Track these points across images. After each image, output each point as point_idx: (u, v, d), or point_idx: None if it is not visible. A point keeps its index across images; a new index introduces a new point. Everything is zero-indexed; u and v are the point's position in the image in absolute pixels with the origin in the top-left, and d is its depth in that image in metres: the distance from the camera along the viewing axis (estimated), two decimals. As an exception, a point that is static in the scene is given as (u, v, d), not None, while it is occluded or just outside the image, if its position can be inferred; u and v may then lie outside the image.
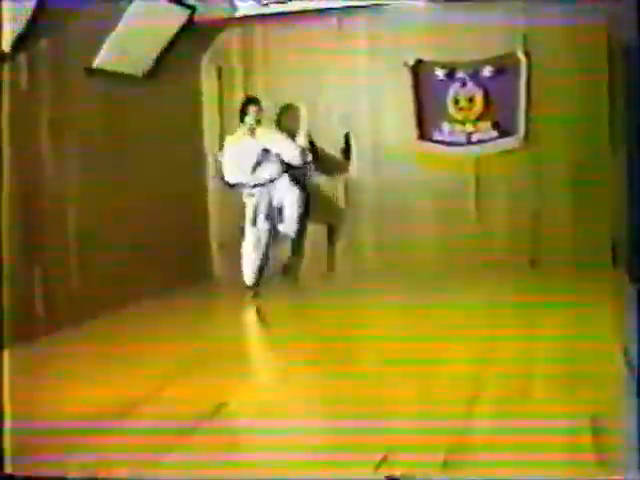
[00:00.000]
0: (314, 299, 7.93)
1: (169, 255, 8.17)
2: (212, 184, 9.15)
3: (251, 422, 4.12)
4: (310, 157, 8.10)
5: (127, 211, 7.56)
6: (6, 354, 3.86)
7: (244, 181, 7.86)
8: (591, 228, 8.19)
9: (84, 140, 6.98)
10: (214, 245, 9.21)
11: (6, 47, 5.75)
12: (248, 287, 7.84)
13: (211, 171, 9.11)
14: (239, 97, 8.94)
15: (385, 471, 3.28)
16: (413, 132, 8.55)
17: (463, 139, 8.51)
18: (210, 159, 9.12)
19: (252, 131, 7.88)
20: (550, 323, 6.18)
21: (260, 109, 7.96)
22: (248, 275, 7.86)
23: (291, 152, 7.93)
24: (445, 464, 3.31)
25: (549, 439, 3.58)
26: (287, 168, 7.95)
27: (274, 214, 7.93)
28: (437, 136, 8.53)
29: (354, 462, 3.43)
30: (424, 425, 3.91)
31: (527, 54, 8.27)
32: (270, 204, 7.87)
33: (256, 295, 7.77)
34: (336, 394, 4.49)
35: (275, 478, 3.28)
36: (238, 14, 8.83)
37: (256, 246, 7.81)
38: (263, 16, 8.79)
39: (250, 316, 7.34)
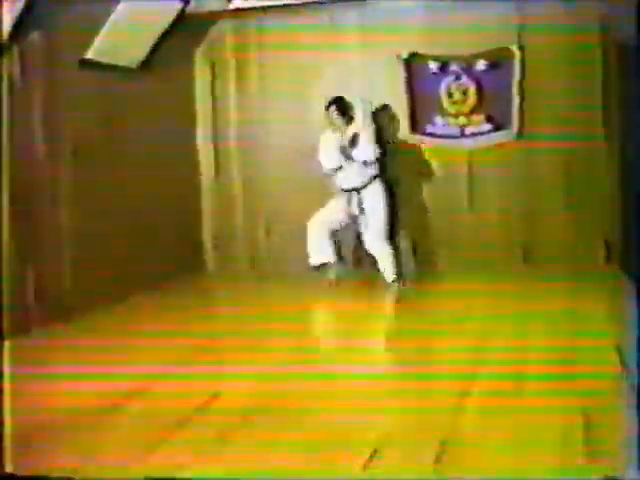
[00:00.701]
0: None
1: (164, 250, 8.17)
2: (205, 177, 9.16)
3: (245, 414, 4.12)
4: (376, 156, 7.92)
5: (119, 205, 7.56)
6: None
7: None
8: (584, 223, 8.20)
9: (77, 134, 6.97)
10: (207, 240, 9.20)
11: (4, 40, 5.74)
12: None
13: (203, 165, 9.13)
14: (232, 91, 8.97)
15: (374, 466, 3.30)
16: (406, 125, 8.53)
17: (456, 132, 8.50)
18: (202, 153, 9.12)
19: (340, 128, 7.89)
20: (543, 319, 6.19)
21: (339, 108, 7.90)
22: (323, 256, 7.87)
23: (366, 151, 7.79)
24: (437, 460, 3.32)
25: (541, 435, 3.60)
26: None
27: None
28: (430, 129, 8.52)
29: (344, 456, 3.45)
30: (416, 420, 3.94)
31: (521, 48, 8.25)
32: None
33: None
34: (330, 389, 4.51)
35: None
36: (231, 7, 8.81)
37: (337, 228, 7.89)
38: (256, 9, 8.77)
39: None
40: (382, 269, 7.82)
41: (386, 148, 8.10)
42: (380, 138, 8.10)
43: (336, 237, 7.93)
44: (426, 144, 8.53)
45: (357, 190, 7.76)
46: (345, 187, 7.81)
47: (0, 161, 5.51)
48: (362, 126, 8.01)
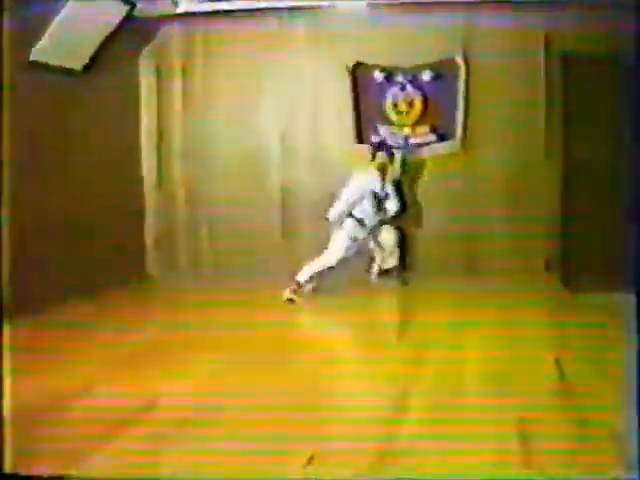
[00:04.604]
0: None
1: (103, 253, 8.08)
2: (147, 181, 9.10)
3: (184, 415, 4.11)
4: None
5: (61, 206, 7.47)
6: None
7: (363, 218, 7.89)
8: (525, 234, 8.27)
9: (20, 137, 6.87)
10: (149, 242, 9.13)
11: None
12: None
13: (146, 168, 9.06)
14: (177, 94, 8.92)
15: (314, 468, 3.30)
16: (351, 135, 8.55)
17: (400, 142, 8.54)
18: (145, 154, 9.06)
19: (383, 170, 8.01)
20: (484, 328, 6.22)
21: (388, 150, 8.13)
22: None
23: (395, 205, 8.11)
24: (374, 468, 3.33)
25: (477, 445, 3.62)
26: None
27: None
28: (374, 139, 8.55)
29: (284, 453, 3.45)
30: (356, 425, 3.94)
31: (466, 60, 8.32)
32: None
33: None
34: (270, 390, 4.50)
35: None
36: (178, 11, 8.75)
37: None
38: (203, 14, 8.73)
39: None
40: (388, 258, 8.25)
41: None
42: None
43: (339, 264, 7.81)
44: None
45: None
46: (368, 222, 7.94)
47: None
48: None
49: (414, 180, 8.51)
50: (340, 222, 7.74)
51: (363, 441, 3.70)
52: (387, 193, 8.03)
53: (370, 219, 7.88)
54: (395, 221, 8.25)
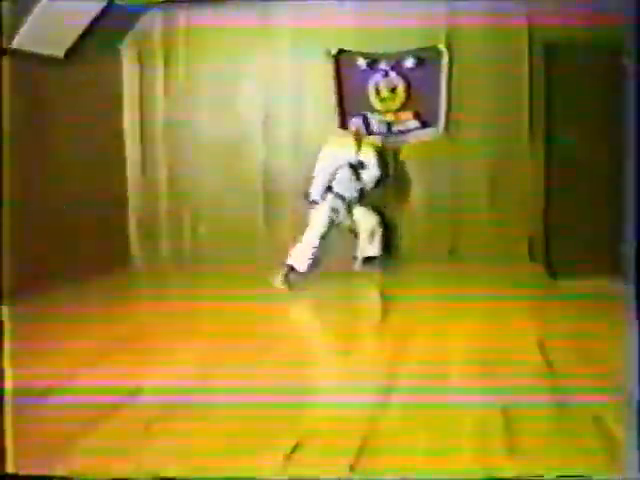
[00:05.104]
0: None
1: (87, 243, 8.05)
2: (131, 169, 9.07)
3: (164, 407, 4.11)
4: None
5: (43, 195, 7.44)
6: None
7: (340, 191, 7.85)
8: (508, 220, 8.30)
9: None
10: (132, 230, 9.10)
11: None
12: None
13: (129, 157, 9.03)
14: (159, 82, 8.89)
15: (297, 458, 3.31)
16: (334, 121, 8.55)
17: (384, 129, 8.54)
18: (128, 143, 9.03)
19: (358, 141, 7.96)
20: (467, 314, 6.24)
21: (365, 118, 8.17)
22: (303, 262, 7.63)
23: (374, 172, 7.98)
24: (356, 458, 3.34)
25: (460, 428, 3.64)
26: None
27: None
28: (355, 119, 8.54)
29: (266, 448, 3.46)
30: (338, 415, 3.95)
31: (449, 47, 8.33)
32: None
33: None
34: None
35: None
36: (160, -2, 8.73)
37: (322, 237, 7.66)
38: (186, 1, 8.69)
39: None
40: (368, 244, 8.09)
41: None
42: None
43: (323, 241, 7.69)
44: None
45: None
46: (344, 193, 7.86)
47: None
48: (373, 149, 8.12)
49: (396, 166, 8.51)
50: (324, 199, 7.74)
51: (346, 428, 3.71)
52: (363, 161, 7.91)
53: (348, 189, 7.82)
54: (377, 205, 8.26)
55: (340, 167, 7.81)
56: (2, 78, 5.74)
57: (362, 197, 8.00)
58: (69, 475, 3.25)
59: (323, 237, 7.61)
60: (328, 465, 3.29)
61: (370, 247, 8.11)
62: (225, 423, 3.82)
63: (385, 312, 6.77)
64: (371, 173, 7.96)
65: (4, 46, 6.91)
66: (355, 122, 8.36)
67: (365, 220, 8.04)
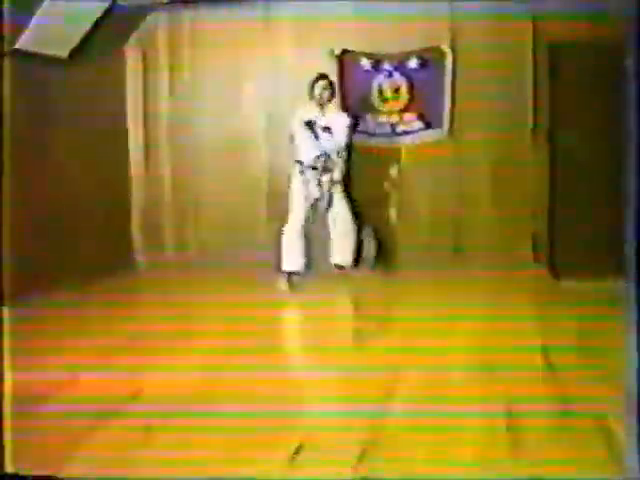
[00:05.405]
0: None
1: (90, 243, 8.04)
2: (134, 169, 9.07)
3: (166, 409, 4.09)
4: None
5: (46, 194, 7.43)
6: None
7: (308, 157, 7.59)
8: (512, 221, 8.28)
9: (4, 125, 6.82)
10: (135, 229, 9.11)
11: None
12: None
13: (133, 156, 9.04)
14: (163, 82, 8.89)
15: (301, 460, 3.30)
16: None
17: (387, 130, 8.53)
18: (132, 143, 9.03)
19: (321, 106, 7.66)
20: (470, 315, 6.22)
21: (330, 83, 7.66)
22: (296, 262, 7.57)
23: (337, 142, 7.63)
24: (359, 459, 3.33)
25: (463, 435, 3.62)
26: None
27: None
28: (361, 127, 8.52)
29: (271, 445, 3.45)
30: (341, 416, 3.94)
31: (452, 47, 8.31)
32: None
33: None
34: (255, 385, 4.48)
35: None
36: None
37: (300, 228, 7.56)
38: (189, 2, 8.69)
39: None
40: (339, 250, 7.72)
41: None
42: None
43: (308, 232, 7.62)
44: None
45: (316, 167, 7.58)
46: (310, 163, 7.59)
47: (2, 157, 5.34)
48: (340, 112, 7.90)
49: (400, 168, 8.50)
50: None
51: (348, 432, 3.69)
52: (329, 127, 7.61)
53: (306, 153, 7.58)
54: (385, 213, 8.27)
55: (298, 130, 7.63)
56: (2, 79, 5.70)
57: (327, 169, 7.58)
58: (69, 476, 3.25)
59: (306, 221, 7.51)
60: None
61: (339, 255, 7.76)
62: (229, 422, 3.82)
63: (386, 314, 6.74)
64: (335, 139, 7.60)
65: (6, 48, 6.92)
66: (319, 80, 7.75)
67: (340, 223, 7.72)
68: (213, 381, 4.59)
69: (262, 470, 3.25)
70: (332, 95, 7.70)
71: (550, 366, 4.71)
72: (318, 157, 7.56)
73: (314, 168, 7.56)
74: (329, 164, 7.59)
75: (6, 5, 5.18)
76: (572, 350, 5.07)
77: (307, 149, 7.58)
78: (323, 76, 7.65)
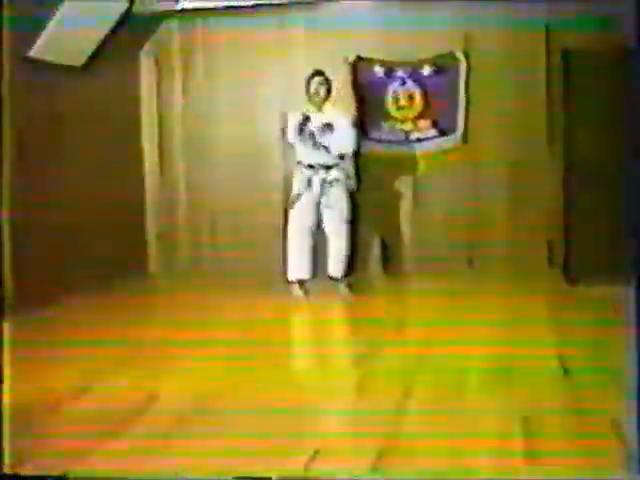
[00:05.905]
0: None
1: (105, 248, 8.06)
2: (148, 176, 9.10)
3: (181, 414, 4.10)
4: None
5: (61, 202, 7.45)
6: None
7: (303, 157, 7.47)
8: (527, 227, 8.27)
9: (20, 133, 6.85)
10: (150, 237, 9.14)
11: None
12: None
13: (147, 163, 9.07)
14: (177, 90, 8.93)
15: (317, 466, 3.30)
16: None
17: (402, 137, 8.53)
18: (147, 150, 9.07)
19: (317, 103, 7.50)
20: (486, 322, 6.20)
21: (326, 80, 7.49)
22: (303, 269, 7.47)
23: (346, 137, 7.44)
24: (375, 464, 3.32)
25: (480, 442, 3.60)
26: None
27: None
28: (375, 134, 8.53)
29: (287, 451, 3.44)
30: (357, 423, 3.94)
31: (466, 54, 8.31)
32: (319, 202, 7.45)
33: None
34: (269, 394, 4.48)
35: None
36: (178, 7, 8.76)
37: (304, 233, 7.44)
38: (202, 10, 8.73)
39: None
40: (332, 256, 7.50)
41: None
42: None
43: (313, 237, 7.47)
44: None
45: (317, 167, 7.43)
46: (307, 162, 7.46)
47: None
48: (341, 109, 7.74)
49: (415, 175, 8.50)
50: None
51: (364, 438, 3.69)
52: (331, 124, 7.44)
53: (307, 152, 7.44)
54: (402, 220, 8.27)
55: (292, 133, 7.54)
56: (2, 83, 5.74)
57: (328, 167, 7.40)
58: (69, 475, 3.25)
59: (309, 223, 7.42)
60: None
61: (331, 265, 7.54)
62: (244, 428, 3.82)
63: (401, 319, 6.73)
64: (337, 136, 7.40)
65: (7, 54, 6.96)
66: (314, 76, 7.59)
67: (335, 236, 7.49)
68: (229, 387, 4.60)
69: (278, 476, 3.25)
70: (329, 92, 7.50)
71: (566, 372, 4.69)
72: (316, 155, 7.42)
73: (311, 167, 7.44)
74: (329, 161, 7.44)
75: (5, 12, 5.24)
76: (588, 356, 5.04)
77: (304, 149, 7.47)
78: (319, 72, 7.53)
